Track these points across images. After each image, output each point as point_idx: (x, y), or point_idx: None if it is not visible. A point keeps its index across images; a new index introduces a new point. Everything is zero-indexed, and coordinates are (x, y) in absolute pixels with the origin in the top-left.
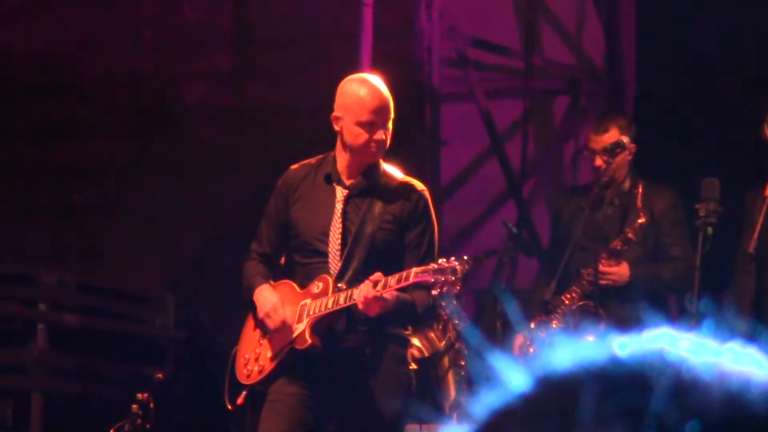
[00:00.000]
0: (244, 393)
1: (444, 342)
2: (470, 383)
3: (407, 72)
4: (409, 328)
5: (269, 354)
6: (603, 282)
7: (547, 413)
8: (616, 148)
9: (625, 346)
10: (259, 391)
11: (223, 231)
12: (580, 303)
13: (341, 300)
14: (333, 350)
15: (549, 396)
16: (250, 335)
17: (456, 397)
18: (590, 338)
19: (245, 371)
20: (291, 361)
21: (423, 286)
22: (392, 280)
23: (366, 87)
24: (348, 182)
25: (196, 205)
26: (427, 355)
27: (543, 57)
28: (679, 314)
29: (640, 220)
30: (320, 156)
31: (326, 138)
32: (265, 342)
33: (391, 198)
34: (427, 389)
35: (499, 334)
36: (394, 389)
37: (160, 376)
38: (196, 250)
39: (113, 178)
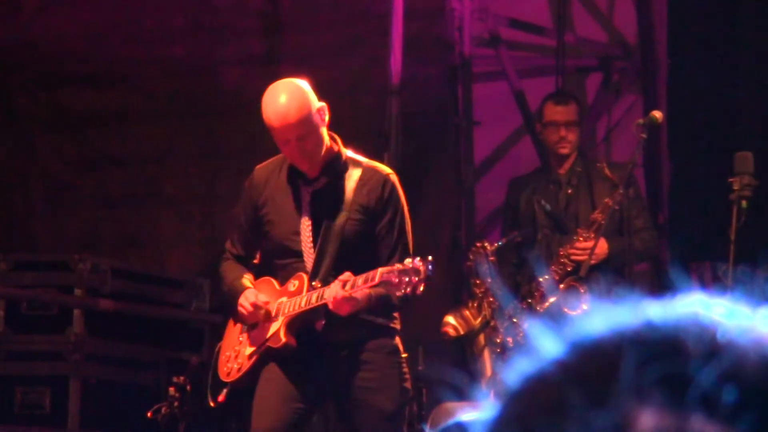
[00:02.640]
0: (225, 391)
1: (479, 320)
2: (505, 355)
3: (439, 53)
4: (396, 316)
5: (247, 352)
6: (582, 258)
7: (582, 380)
8: (654, 123)
9: (660, 310)
10: (240, 390)
11: None
12: (565, 282)
13: (313, 299)
14: (316, 346)
15: (584, 362)
16: (232, 332)
17: (492, 375)
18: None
19: (226, 369)
20: (267, 359)
21: (390, 284)
22: (360, 279)
23: (272, 103)
24: (310, 179)
25: (230, 190)
26: (462, 333)
27: (575, 35)
28: (713, 283)
29: (617, 190)
30: (279, 155)
31: (358, 120)
32: (244, 339)
33: (356, 188)
34: (464, 367)
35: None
36: (387, 383)
37: (196, 359)
38: None
39: (148, 164)
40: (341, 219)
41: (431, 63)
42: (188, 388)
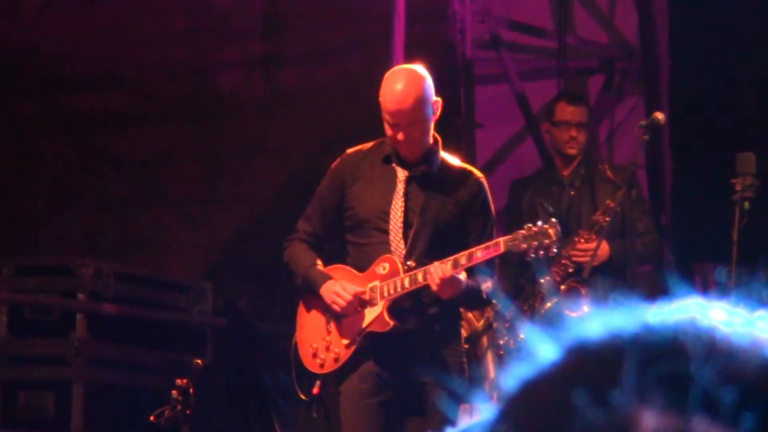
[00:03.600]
0: (318, 383)
1: (482, 322)
2: (506, 359)
3: (441, 55)
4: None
5: (344, 341)
6: (584, 260)
7: (583, 382)
8: (656, 124)
9: (658, 314)
10: (330, 380)
11: (259, 218)
12: (566, 283)
13: (419, 278)
14: (400, 333)
15: (584, 365)
16: (313, 323)
17: (495, 377)
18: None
19: (318, 361)
20: (368, 346)
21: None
22: (479, 251)
23: (391, 87)
24: (409, 163)
25: (231, 192)
26: (465, 335)
27: (576, 36)
28: (713, 286)
29: (619, 192)
30: (376, 141)
31: (359, 123)
32: (333, 329)
33: (452, 183)
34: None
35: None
36: (454, 369)
37: (199, 362)
38: (233, 238)
39: (149, 167)
40: (437, 207)
41: (433, 65)
42: (191, 391)
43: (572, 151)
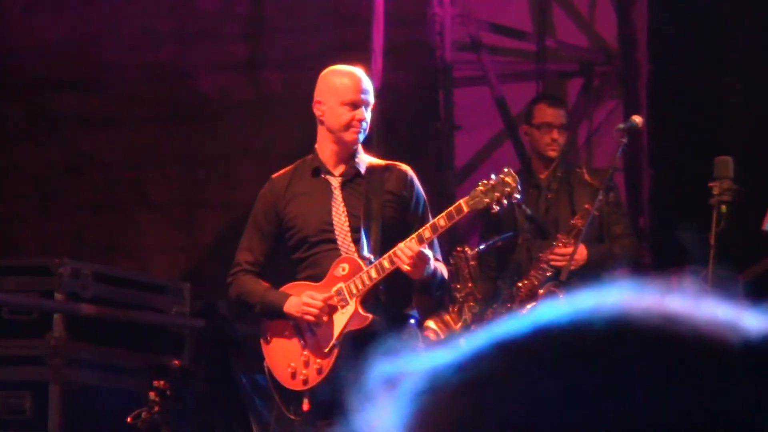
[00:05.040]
0: (306, 399)
1: (460, 324)
2: None
3: (420, 58)
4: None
5: (324, 350)
6: (562, 264)
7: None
8: (634, 127)
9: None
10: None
11: (241, 221)
12: (544, 287)
13: (386, 264)
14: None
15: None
16: (284, 344)
17: None
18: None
19: (300, 378)
20: (348, 347)
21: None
22: (441, 219)
23: (351, 70)
24: (336, 171)
25: (213, 195)
26: (443, 337)
27: (556, 39)
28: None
29: (599, 196)
30: (297, 162)
31: None
32: (309, 343)
33: (383, 179)
34: None
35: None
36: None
37: (177, 364)
38: (215, 241)
39: (131, 169)
40: (378, 204)
41: (413, 68)
42: (169, 392)
43: (553, 154)
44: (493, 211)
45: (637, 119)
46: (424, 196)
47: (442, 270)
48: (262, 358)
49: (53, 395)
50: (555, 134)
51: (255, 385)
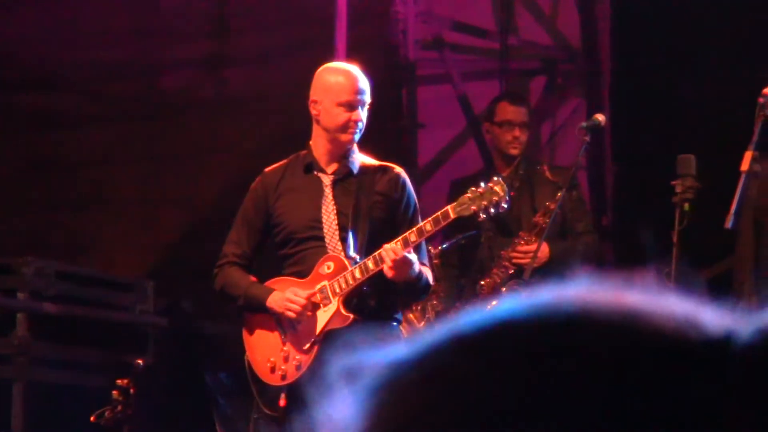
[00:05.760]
0: (283, 395)
1: (423, 322)
2: None
3: (383, 56)
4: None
5: (304, 347)
6: (524, 262)
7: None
8: (596, 126)
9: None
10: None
11: (204, 218)
12: (507, 285)
13: (370, 265)
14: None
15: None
16: (265, 339)
17: None
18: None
19: (279, 373)
20: (327, 346)
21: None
22: (428, 224)
23: (347, 69)
24: (329, 169)
25: (177, 193)
26: (406, 336)
27: (519, 38)
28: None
29: (559, 193)
30: (291, 156)
31: (304, 124)
32: (289, 339)
33: (375, 179)
34: None
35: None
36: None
37: (140, 362)
38: (179, 238)
39: (93, 167)
40: (367, 204)
41: (376, 66)
42: (132, 391)
43: (515, 152)
44: (479, 219)
45: (600, 117)
46: (416, 200)
47: (428, 275)
48: (226, 356)
49: (17, 394)
50: (516, 132)
51: (218, 384)
